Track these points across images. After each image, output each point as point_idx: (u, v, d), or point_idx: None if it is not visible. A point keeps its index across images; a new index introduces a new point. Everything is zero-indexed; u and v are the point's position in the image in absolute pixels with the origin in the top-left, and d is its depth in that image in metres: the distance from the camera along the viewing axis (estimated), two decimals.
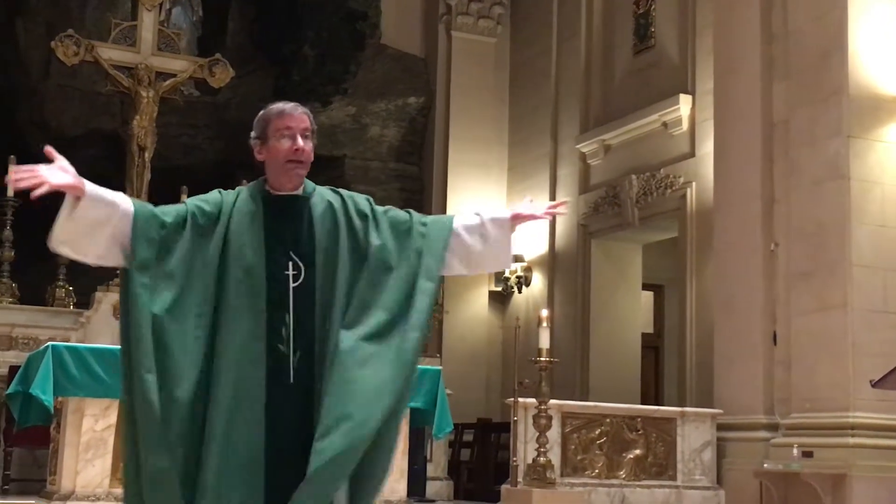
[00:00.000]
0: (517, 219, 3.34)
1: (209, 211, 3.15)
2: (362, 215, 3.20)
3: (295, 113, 3.21)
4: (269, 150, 3.21)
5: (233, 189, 3.37)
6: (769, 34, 9.47)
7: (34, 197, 2.87)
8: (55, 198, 2.95)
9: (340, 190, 3.30)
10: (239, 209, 3.16)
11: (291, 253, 3.12)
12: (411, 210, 3.34)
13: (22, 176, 2.85)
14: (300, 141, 3.17)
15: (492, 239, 3.32)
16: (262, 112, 3.28)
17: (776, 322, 9.07)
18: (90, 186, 2.96)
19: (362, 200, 3.25)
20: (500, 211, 3.37)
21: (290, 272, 3.10)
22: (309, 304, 3.09)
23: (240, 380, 2.99)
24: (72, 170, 2.91)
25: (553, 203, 3.46)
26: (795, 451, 8.24)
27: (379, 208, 3.26)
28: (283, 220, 3.16)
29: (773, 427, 8.97)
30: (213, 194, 3.24)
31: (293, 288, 3.09)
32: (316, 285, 3.10)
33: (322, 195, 3.23)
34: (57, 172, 2.87)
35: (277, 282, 3.08)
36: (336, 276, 3.11)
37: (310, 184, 3.25)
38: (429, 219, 3.29)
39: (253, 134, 3.27)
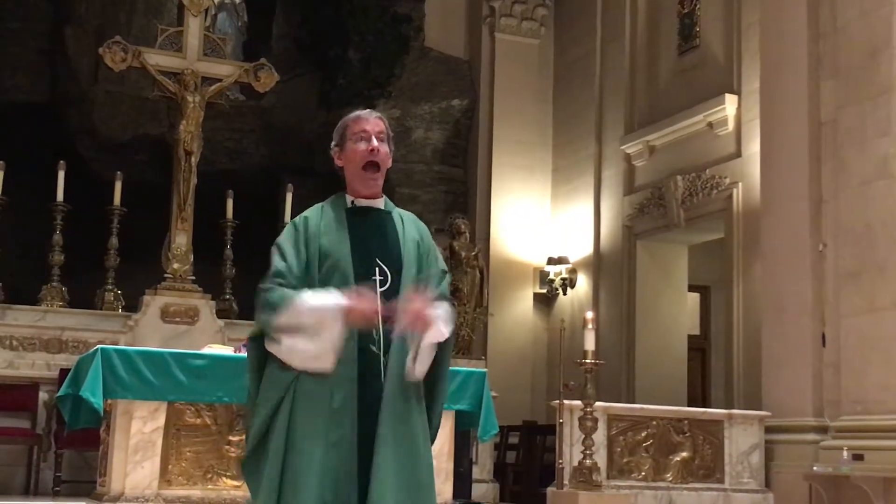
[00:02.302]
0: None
1: (302, 251, 3.27)
2: (429, 251, 3.38)
3: (370, 117, 3.37)
4: (347, 155, 3.34)
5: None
6: (816, 32, 9.37)
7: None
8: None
9: (412, 215, 3.47)
10: (326, 223, 3.29)
11: (377, 259, 3.26)
12: (446, 278, 3.47)
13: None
14: (375, 142, 3.30)
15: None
16: (340, 121, 3.42)
17: (825, 323, 8.97)
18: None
19: (428, 235, 3.44)
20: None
21: (378, 277, 3.23)
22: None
23: (335, 379, 3.13)
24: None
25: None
26: (845, 453, 8.14)
27: (439, 256, 3.47)
28: (367, 228, 3.31)
29: (823, 429, 8.87)
30: (297, 227, 3.33)
31: (381, 292, 3.21)
32: (401, 291, 3.22)
33: (402, 215, 3.40)
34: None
35: (367, 285, 3.20)
36: (407, 287, 3.25)
37: (389, 202, 3.42)
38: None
39: (332, 142, 3.40)
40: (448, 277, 3.45)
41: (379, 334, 3.17)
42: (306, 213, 3.37)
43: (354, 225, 3.29)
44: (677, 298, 12.41)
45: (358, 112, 3.38)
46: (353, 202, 3.34)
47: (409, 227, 3.36)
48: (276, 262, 3.25)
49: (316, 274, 3.22)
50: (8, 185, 9.51)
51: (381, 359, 3.16)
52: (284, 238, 3.31)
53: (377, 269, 3.23)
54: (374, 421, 3.11)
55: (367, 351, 3.16)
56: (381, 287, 3.21)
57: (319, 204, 3.38)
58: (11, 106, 13.35)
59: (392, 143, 3.38)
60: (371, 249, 3.26)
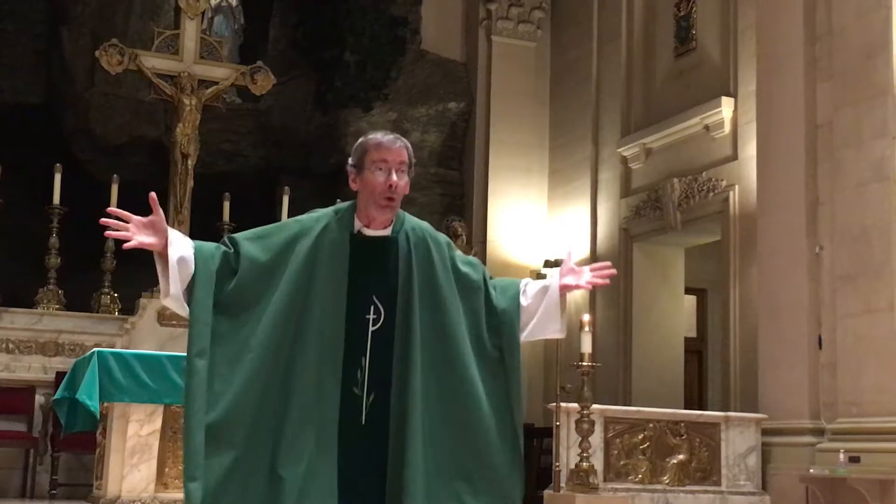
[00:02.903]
0: (565, 289, 3.31)
1: (265, 261, 3.12)
2: (444, 264, 3.23)
3: (393, 146, 3.17)
4: (364, 182, 3.17)
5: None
6: (812, 34, 9.38)
7: (124, 248, 3.04)
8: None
9: (424, 226, 3.29)
10: (325, 248, 3.15)
11: (374, 297, 3.14)
12: (477, 264, 3.35)
13: (112, 225, 3.01)
14: (394, 176, 3.14)
15: (543, 309, 3.31)
16: (361, 139, 3.25)
17: (821, 325, 8.98)
18: (173, 238, 3.06)
19: (444, 246, 3.27)
20: (546, 282, 3.34)
21: (371, 316, 3.12)
22: (386, 346, 3.12)
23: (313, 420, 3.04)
24: (162, 225, 3.03)
25: (597, 266, 3.38)
26: (842, 456, 8.14)
27: (457, 258, 3.28)
28: (370, 263, 3.16)
29: (819, 432, 8.87)
30: (285, 229, 3.21)
31: (371, 332, 3.11)
32: (395, 328, 3.12)
33: (407, 231, 3.22)
34: (144, 231, 3.02)
35: (357, 326, 3.11)
36: (413, 319, 3.13)
37: (398, 216, 3.24)
38: (497, 284, 3.32)
39: (350, 161, 3.23)
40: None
41: (363, 376, 3.09)
42: (309, 223, 3.19)
43: (356, 256, 3.15)
44: (674, 301, 12.41)
45: (380, 139, 3.18)
46: (360, 231, 3.19)
47: (409, 257, 3.18)
48: (245, 239, 3.15)
49: (291, 297, 3.08)
50: (4, 187, 9.50)
51: (364, 401, 3.09)
52: (277, 233, 3.18)
53: (372, 307, 3.13)
54: (354, 466, 3.04)
55: (349, 392, 3.07)
56: (373, 326, 3.12)
57: (327, 216, 3.21)
58: (7, 107, 13.34)
59: (412, 169, 3.21)
60: (369, 286, 3.14)
